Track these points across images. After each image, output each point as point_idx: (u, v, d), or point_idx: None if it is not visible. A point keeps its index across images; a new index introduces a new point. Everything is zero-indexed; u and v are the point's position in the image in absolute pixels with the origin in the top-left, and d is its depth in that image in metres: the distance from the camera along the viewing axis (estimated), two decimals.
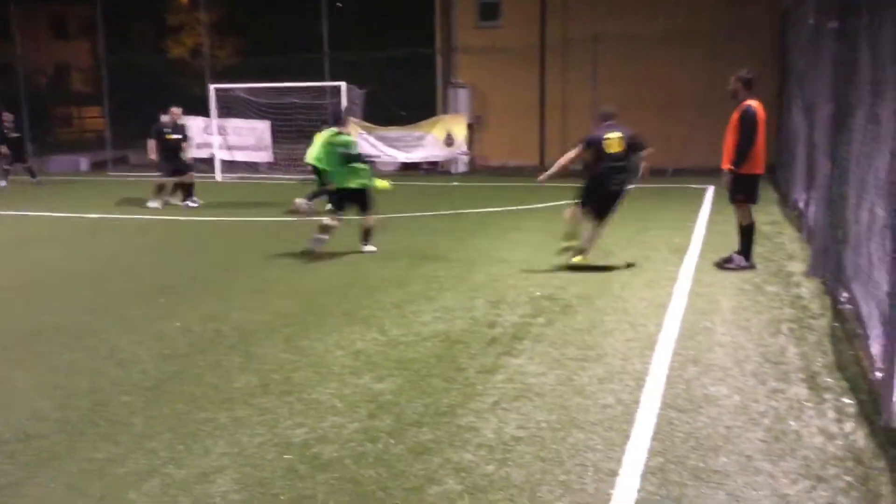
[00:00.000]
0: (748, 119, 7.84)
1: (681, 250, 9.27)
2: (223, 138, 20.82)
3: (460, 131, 20.80)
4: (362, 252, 9.54)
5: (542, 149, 21.79)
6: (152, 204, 14.49)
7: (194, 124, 19.01)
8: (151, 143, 14.52)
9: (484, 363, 5.35)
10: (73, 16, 41.25)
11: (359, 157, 9.54)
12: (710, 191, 15.09)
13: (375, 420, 4.41)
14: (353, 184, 9.42)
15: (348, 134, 10.03)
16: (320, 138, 12.61)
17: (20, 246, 10.89)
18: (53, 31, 42.69)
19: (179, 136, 14.58)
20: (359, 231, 9.71)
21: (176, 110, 14.70)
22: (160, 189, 14.67)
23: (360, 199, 9.51)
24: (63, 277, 8.63)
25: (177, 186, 14.82)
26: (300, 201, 11.14)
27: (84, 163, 24.71)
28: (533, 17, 21.46)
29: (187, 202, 14.67)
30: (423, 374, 5.15)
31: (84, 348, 5.90)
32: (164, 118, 14.67)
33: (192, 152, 15.76)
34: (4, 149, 19.51)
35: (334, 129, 10.05)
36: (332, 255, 9.40)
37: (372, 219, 9.65)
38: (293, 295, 7.49)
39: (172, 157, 14.45)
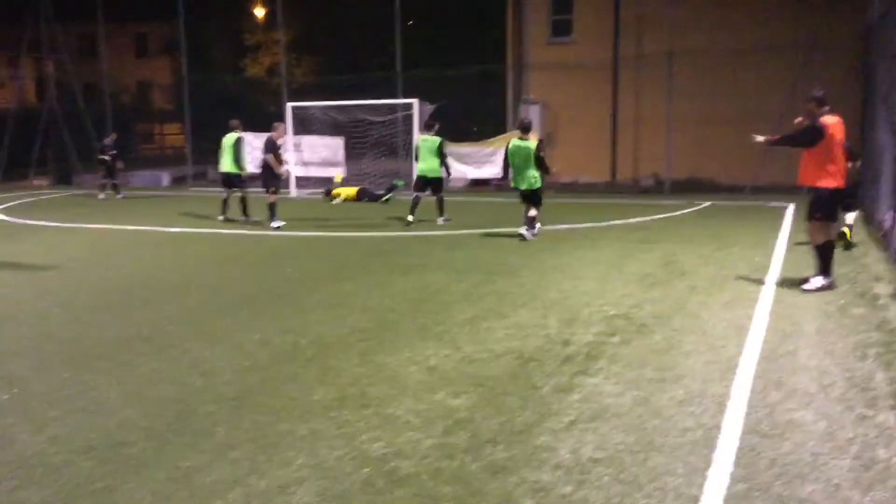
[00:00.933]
0: (812, 127, 7.88)
1: (761, 270, 9.03)
2: (298, 155, 21.26)
3: None
4: (521, 235, 11.76)
5: (613, 165, 21.58)
6: (276, 223, 13.85)
7: None
8: (273, 159, 13.94)
9: (559, 382, 5.32)
10: (154, 35, 42.86)
11: (543, 162, 11.78)
12: (791, 209, 14.70)
13: (451, 437, 4.42)
14: (538, 184, 11.74)
15: (534, 141, 11.91)
16: (431, 148, 13.82)
17: (105, 258, 11.33)
18: (135, 49, 44.29)
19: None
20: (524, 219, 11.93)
21: (281, 125, 14.65)
22: (273, 206, 14.08)
23: (532, 196, 11.84)
24: (146, 289, 8.92)
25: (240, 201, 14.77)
26: (527, 232, 11.82)
27: (166, 178, 25.56)
28: (605, 32, 21.33)
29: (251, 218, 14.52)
30: (497, 392, 5.15)
31: (168, 358, 6.10)
32: (260, 135, 14.56)
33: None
34: (121, 163, 20.71)
35: (518, 137, 11.86)
36: (403, 270, 9.49)
37: (535, 211, 11.93)
38: (366, 310, 7.58)
39: (276, 173, 14.16)
